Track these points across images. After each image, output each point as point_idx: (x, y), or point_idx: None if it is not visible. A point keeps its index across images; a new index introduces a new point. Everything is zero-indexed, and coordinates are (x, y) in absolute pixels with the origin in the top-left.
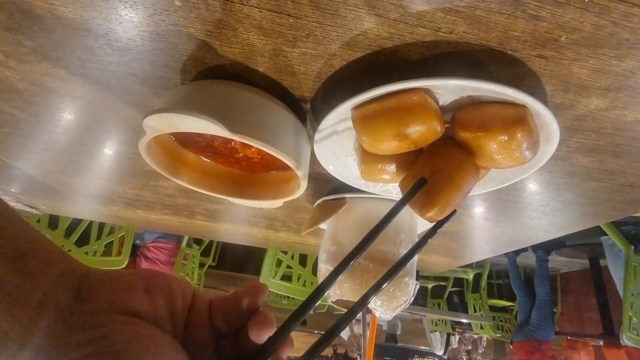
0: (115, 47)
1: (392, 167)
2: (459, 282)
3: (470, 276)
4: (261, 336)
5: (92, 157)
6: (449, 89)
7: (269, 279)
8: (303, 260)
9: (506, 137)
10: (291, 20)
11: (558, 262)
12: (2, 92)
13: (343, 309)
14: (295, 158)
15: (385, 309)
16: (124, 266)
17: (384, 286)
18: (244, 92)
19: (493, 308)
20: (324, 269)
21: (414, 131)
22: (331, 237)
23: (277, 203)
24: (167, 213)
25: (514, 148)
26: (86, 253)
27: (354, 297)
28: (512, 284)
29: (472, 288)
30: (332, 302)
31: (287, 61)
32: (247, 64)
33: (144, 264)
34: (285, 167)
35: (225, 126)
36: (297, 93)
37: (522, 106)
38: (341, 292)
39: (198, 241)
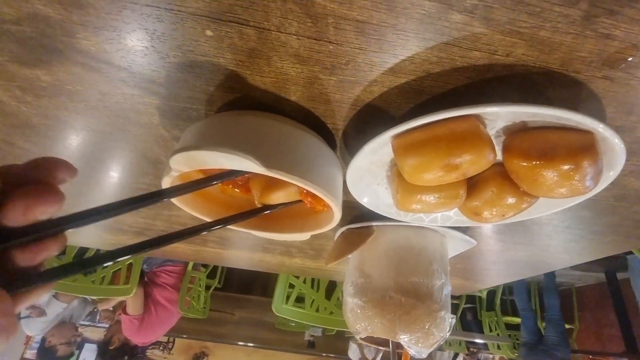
0: (138, 79)
1: (432, 198)
2: (471, 298)
3: (483, 294)
4: (31, 211)
5: (104, 189)
6: (501, 114)
7: (282, 304)
8: (316, 284)
9: (571, 166)
10: (331, 47)
11: (572, 275)
12: (16, 127)
13: (371, 345)
14: (332, 192)
15: (421, 346)
16: (131, 295)
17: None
18: (275, 123)
19: (507, 326)
20: (352, 303)
21: (465, 161)
22: (357, 268)
23: (304, 236)
24: (180, 242)
25: (577, 178)
26: (93, 282)
27: (385, 334)
28: (516, 297)
29: (486, 306)
30: (361, 338)
31: (322, 89)
32: (278, 93)
33: (155, 290)
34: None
35: (260, 162)
36: (329, 121)
37: (588, 132)
38: (372, 328)
39: (204, 264)
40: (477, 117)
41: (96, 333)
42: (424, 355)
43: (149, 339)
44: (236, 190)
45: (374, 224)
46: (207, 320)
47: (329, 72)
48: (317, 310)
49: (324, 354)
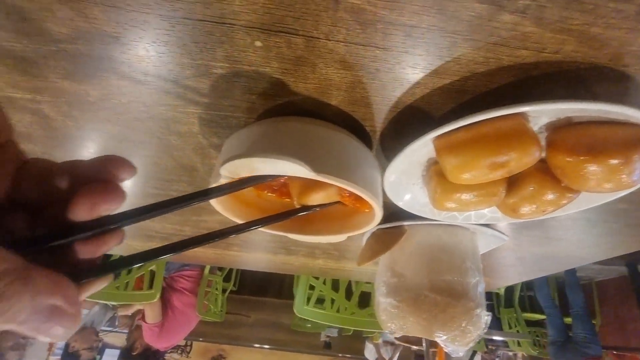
0: (183, 90)
1: (472, 196)
2: (487, 295)
3: (501, 290)
4: (96, 208)
5: (137, 199)
6: (547, 111)
7: (303, 306)
8: (335, 284)
9: (621, 160)
10: (377, 52)
11: (593, 270)
12: (58, 139)
13: (406, 344)
14: (375, 194)
15: (457, 345)
16: (156, 300)
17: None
18: (319, 128)
19: (528, 322)
20: (385, 302)
21: (511, 159)
22: (389, 267)
23: (341, 237)
24: (203, 246)
25: (626, 172)
26: (117, 288)
27: (421, 332)
28: (538, 293)
29: (504, 303)
30: (396, 338)
31: (364, 93)
32: (319, 98)
33: (174, 296)
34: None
35: (310, 167)
36: (368, 124)
37: (637, 125)
38: (407, 327)
39: (220, 267)
40: (521, 114)
41: (116, 338)
42: (461, 354)
43: (170, 344)
44: (270, 194)
45: (405, 223)
46: (223, 323)
47: (372, 76)
48: (338, 311)
49: (340, 355)
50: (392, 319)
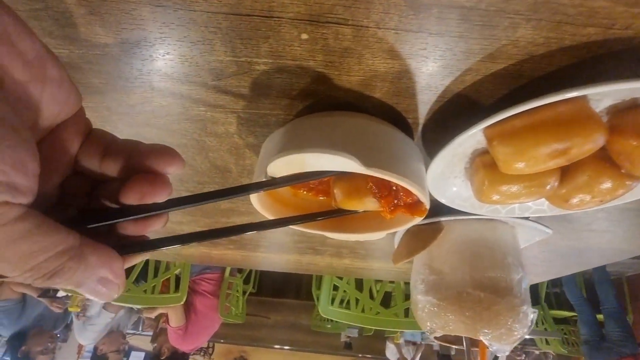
0: (223, 90)
1: (522, 187)
2: None
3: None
4: (145, 198)
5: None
6: (612, 93)
7: (328, 306)
8: (358, 284)
9: None
10: (430, 38)
11: (623, 264)
12: None
13: (445, 344)
14: (424, 188)
15: (504, 343)
16: (182, 302)
17: None
18: (364, 121)
19: (556, 320)
20: (424, 301)
21: (573, 145)
22: (426, 265)
23: (379, 235)
24: (230, 248)
25: None
26: (145, 291)
27: (464, 331)
28: (566, 290)
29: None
30: (436, 337)
31: (410, 83)
32: (362, 91)
33: (196, 299)
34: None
35: (360, 161)
36: (410, 116)
37: None
38: (449, 326)
39: (239, 269)
40: (583, 97)
41: (141, 341)
42: (507, 353)
43: (195, 346)
44: (306, 192)
45: (442, 219)
46: (244, 324)
47: (421, 64)
48: (363, 311)
49: (361, 355)
50: (432, 318)
